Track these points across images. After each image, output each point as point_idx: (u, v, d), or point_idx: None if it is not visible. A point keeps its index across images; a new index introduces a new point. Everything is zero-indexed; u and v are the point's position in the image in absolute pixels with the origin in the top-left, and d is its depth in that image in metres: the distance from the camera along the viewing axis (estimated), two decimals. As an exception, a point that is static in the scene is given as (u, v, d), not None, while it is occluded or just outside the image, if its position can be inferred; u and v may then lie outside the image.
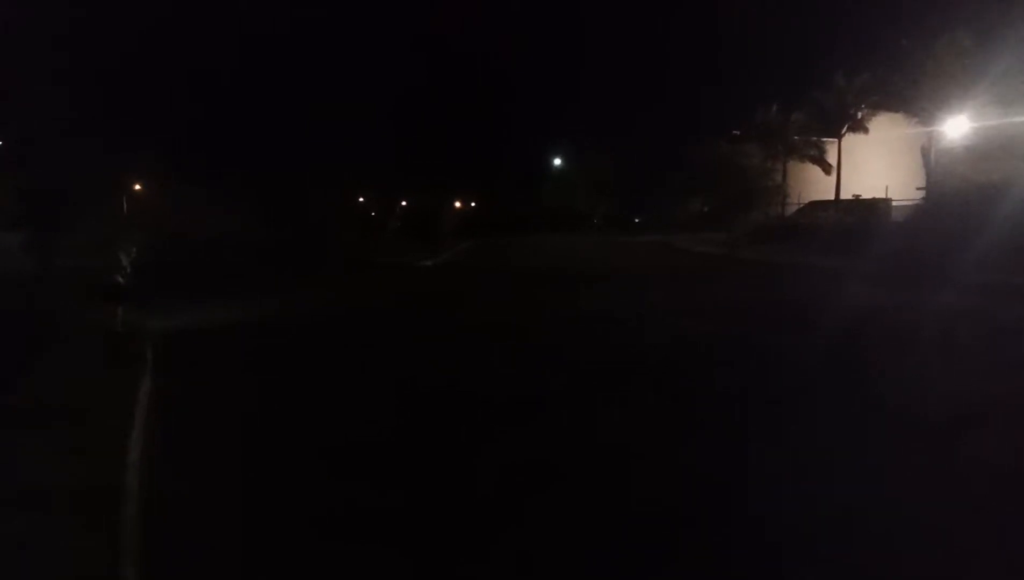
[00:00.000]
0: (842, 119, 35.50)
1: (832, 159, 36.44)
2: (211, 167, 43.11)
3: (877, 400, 6.21)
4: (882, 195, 31.55)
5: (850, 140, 36.13)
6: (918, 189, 31.38)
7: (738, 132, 41.09)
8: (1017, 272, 14.22)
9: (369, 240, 34.08)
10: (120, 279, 9.29)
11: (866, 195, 33.40)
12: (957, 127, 29.61)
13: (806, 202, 37.06)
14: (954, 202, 22.21)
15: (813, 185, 38.03)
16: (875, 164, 36.97)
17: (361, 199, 48.39)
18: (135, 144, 41.58)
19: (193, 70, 49.21)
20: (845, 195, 35.17)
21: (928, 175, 31.95)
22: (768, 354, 8.44)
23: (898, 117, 34.43)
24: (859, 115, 35.22)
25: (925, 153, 32.42)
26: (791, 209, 37.96)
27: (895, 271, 16.70)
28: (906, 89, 31.51)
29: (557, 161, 60.99)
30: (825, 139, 37.16)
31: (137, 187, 46.42)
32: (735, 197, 37.03)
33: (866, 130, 35.54)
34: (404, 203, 48.56)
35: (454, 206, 53.44)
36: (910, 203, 28.35)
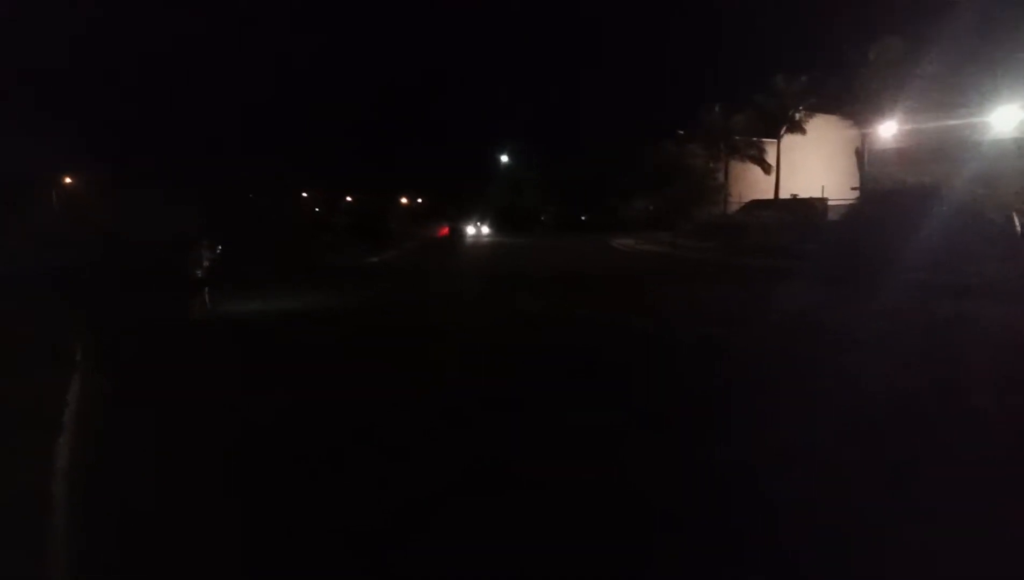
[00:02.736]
0: (781, 120, 36.34)
1: (772, 159, 37.26)
2: (150, 163, 41.64)
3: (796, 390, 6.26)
4: (819, 194, 32.39)
5: (789, 141, 37.01)
6: (853, 189, 32.35)
7: (683, 132, 41.68)
8: (942, 271, 14.69)
9: (313, 238, 33.39)
10: (199, 273, 10.89)
11: (804, 194, 34.26)
12: (889, 130, 30.59)
13: (747, 201, 37.86)
14: (886, 203, 22.90)
15: (754, 185, 38.84)
16: (813, 164, 38.04)
17: (305, 194, 47.37)
18: (68, 138, 39.86)
19: (129, 64, 47.48)
20: (784, 194, 36.00)
21: (862, 176, 32.99)
22: (709, 346, 8.49)
23: (834, 119, 35.41)
24: (797, 117, 36.11)
25: (859, 155, 33.45)
26: (733, 208, 38.72)
27: (828, 269, 17.13)
28: (841, 92, 32.41)
29: (505, 159, 60.95)
30: (765, 140, 37.99)
31: (68, 180, 44.51)
32: (680, 196, 37.59)
33: (804, 131, 36.45)
34: (349, 199, 47.73)
35: (401, 203, 52.82)
36: (845, 203, 29.15)
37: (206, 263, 11.08)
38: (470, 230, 49.79)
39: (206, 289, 11.04)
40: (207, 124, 45.59)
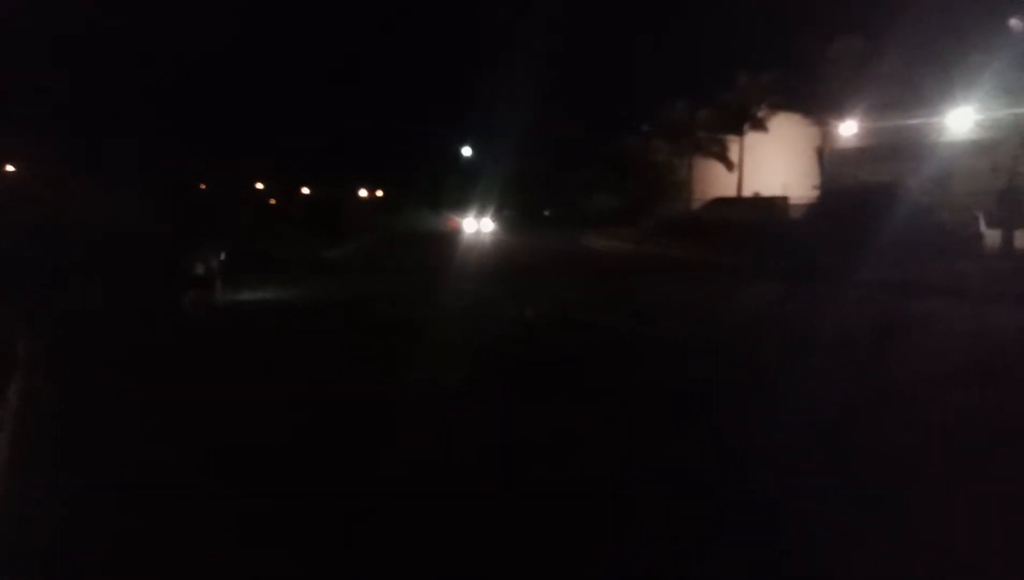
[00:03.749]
0: (744, 118, 36.42)
1: (735, 156, 37.37)
2: (93, 151, 39.92)
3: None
4: (781, 193, 32.53)
5: (752, 138, 37.13)
6: (814, 187, 32.58)
7: (647, 128, 41.61)
8: (897, 270, 14.72)
9: (269, 231, 32.34)
10: (202, 270, 11.16)
11: (766, 192, 34.39)
12: (850, 129, 30.87)
13: (710, 199, 37.89)
14: (845, 202, 23.03)
15: (716, 182, 38.94)
16: (775, 162, 38.19)
17: (260, 186, 46.04)
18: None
19: (73, 47, 45.38)
20: (746, 192, 36.12)
21: (822, 174, 33.25)
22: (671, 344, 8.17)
23: (797, 117, 35.64)
24: (760, 114, 36.22)
25: (820, 153, 33.71)
26: (696, 205, 38.76)
27: (789, 268, 17.11)
28: (803, 91, 32.63)
29: (467, 151, 60.24)
30: (728, 136, 38.06)
31: (10, 168, 42.52)
32: (643, 192, 37.50)
33: (766, 129, 36.58)
34: (306, 191, 46.51)
35: (359, 195, 51.81)
36: (806, 201, 29.31)
37: (205, 270, 11.19)
38: (468, 226, 41.06)
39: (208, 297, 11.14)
40: (164, 111, 43.98)
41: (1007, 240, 19.02)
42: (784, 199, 31.63)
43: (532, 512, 3.92)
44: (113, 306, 11.16)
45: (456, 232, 39.00)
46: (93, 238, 19.68)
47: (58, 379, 6.67)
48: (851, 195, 23.74)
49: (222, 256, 11.63)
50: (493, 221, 42.97)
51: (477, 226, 41.39)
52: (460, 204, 50.19)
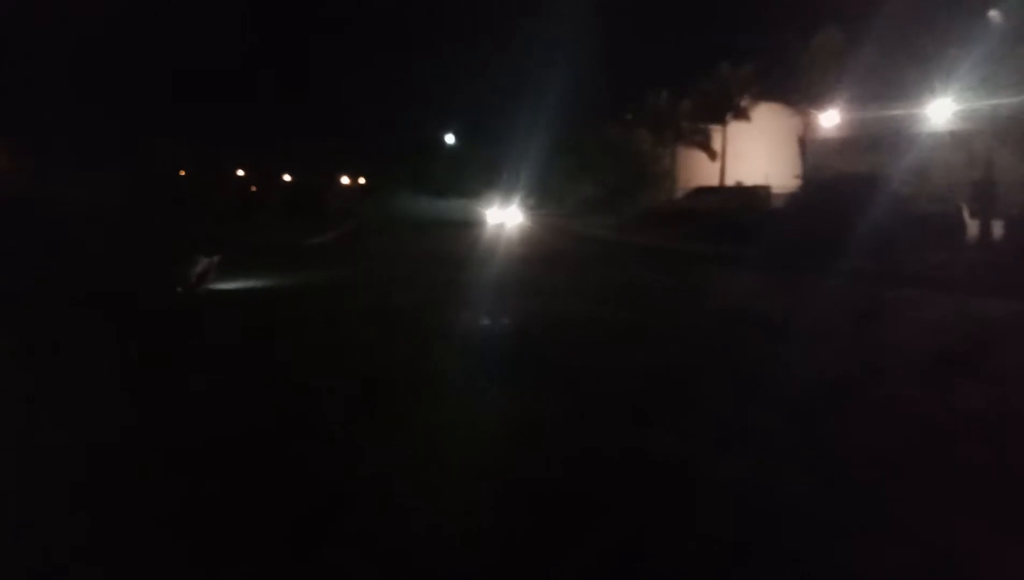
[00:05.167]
0: (727, 107, 36.62)
1: (718, 146, 37.57)
2: (66, 135, 39.04)
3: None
4: (763, 182, 32.78)
5: (734, 128, 37.35)
6: (795, 177, 32.87)
7: (630, 116, 41.68)
8: (882, 259, 14.92)
9: (249, 218, 32.07)
10: (194, 277, 11.15)
11: (748, 182, 34.62)
12: (831, 119, 31.13)
13: (693, 187, 38.08)
14: (827, 191, 23.26)
15: (699, 171, 39.13)
16: (758, 152, 38.48)
17: (241, 172, 45.43)
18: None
19: (42, 23, 44.27)
20: (729, 181, 36.35)
21: (804, 164, 33.56)
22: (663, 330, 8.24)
23: (779, 107, 35.87)
24: (742, 104, 36.44)
25: (802, 143, 34.01)
26: (678, 194, 38.94)
27: (770, 257, 17.26)
28: (785, 81, 32.87)
29: (451, 140, 59.92)
30: (711, 126, 38.25)
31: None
32: (627, 181, 37.54)
33: (748, 118, 36.82)
34: (289, 178, 45.98)
35: (340, 182, 51.34)
36: (788, 191, 29.54)
37: (198, 275, 11.02)
38: (491, 215, 35.10)
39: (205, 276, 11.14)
40: (131, 95, 43.15)
41: (984, 230, 19.36)
42: (766, 188, 31.87)
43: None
44: (111, 296, 11.09)
45: (454, 218, 37.84)
46: (84, 226, 19.29)
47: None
48: (832, 185, 23.96)
49: (215, 258, 11.63)
50: (519, 210, 38.55)
51: (502, 215, 36.86)
52: (443, 192, 50.06)
